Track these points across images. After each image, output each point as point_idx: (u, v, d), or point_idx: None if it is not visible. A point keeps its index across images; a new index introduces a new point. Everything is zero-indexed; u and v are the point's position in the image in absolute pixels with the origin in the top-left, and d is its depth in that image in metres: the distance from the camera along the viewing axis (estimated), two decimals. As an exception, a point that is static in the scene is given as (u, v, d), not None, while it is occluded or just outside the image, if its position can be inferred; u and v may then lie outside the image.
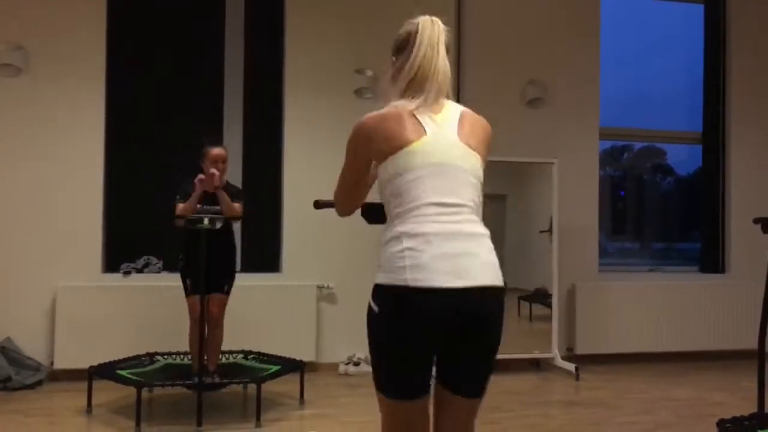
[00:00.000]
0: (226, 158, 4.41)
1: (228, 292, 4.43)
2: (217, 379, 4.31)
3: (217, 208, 4.36)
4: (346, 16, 5.62)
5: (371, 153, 2.01)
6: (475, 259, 1.92)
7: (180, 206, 4.27)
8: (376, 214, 2.21)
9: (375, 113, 2.01)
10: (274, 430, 3.78)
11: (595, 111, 6.14)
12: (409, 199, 1.95)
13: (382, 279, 1.93)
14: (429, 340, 1.91)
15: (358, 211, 2.33)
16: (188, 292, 4.33)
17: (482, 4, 5.88)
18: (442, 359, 1.99)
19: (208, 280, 4.12)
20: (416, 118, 1.97)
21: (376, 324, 1.96)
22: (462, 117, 2.03)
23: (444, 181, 1.95)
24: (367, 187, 2.18)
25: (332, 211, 2.31)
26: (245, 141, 5.62)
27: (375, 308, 1.94)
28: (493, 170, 2.09)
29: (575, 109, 6.07)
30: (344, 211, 2.23)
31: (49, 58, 5.13)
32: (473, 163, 2.02)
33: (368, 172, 2.11)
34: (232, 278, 4.46)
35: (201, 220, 3.92)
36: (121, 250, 5.34)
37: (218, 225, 3.96)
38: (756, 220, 3.19)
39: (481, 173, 2.05)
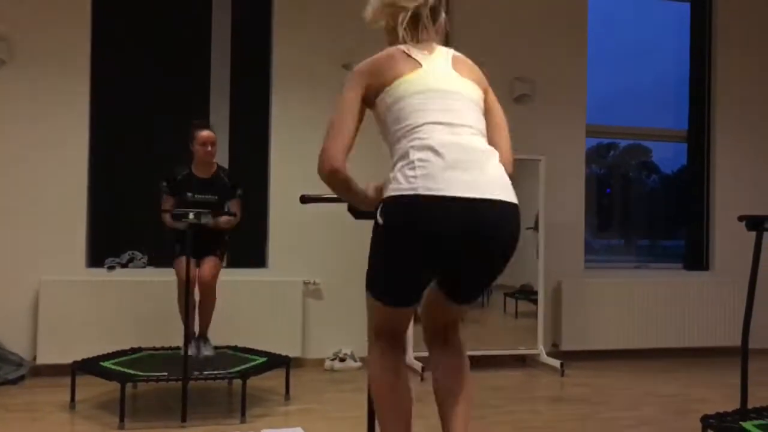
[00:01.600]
0: (215, 140, 4.44)
1: (221, 258, 4.50)
2: (209, 344, 4.45)
3: (210, 197, 4.39)
4: (334, 11, 5.60)
5: (366, 88, 2.02)
6: (487, 175, 1.90)
7: (166, 210, 4.34)
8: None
9: (367, 59, 2.08)
10: (259, 426, 3.76)
11: (582, 108, 6.16)
12: (413, 119, 1.94)
13: (392, 192, 1.90)
14: (436, 252, 1.89)
15: (344, 207, 2.31)
16: (176, 255, 4.38)
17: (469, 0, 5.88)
18: (450, 267, 1.98)
19: (199, 249, 4.15)
20: (410, 55, 2.03)
21: (382, 236, 1.93)
22: (455, 56, 2.12)
23: (446, 103, 1.97)
24: (356, 125, 2.04)
25: (319, 206, 2.30)
26: (231, 136, 5.58)
27: (380, 221, 1.91)
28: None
29: (562, 106, 6.09)
30: (329, 155, 2.01)
31: (34, 50, 5.07)
32: (472, 91, 2.06)
33: (360, 111, 2.05)
34: (224, 246, 4.54)
35: (186, 215, 3.89)
36: (105, 245, 5.30)
37: (203, 220, 3.94)
38: (741, 218, 3.20)
39: (481, 102, 2.09)
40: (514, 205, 1.94)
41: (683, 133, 6.62)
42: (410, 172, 1.86)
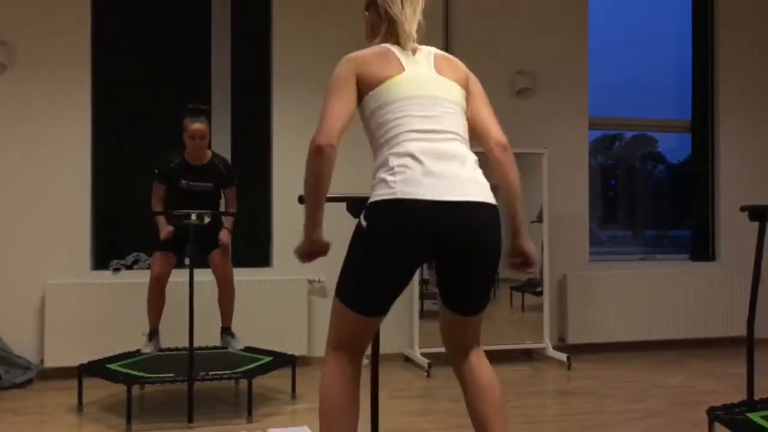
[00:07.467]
0: (205, 134, 4.33)
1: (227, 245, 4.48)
2: (237, 338, 4.48)
3: (205, 185, 4.36)
4: (334, 15, 5.59)
5: (357, 76, 2.06)
6: (464, 177, 1.96)
7: (155, 197, 4.42)
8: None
9: (360, 50, 2.13)
10: (266, 425, 3.78)
11: (584, 101, 6.13)
12: (394, 127, 2.00)
13: (374, 197, 1.96)
14: (415, 257, 1.95)
15: (344, 206, 2.32)
16: (157, 247, 4.38)
17: (470, -6, 5.86)
18: (443, 279, 2.05)
19: (201, 245, 4.19)
20: (396, 56, 2.09)
21: (363, 239, 1.98)
22: (436, 56, 2.16)
23: (426, 110, 2.02)
24: (351, 105, 2.05)
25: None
26: (234, 135, 5.59)
27: (363, 223, 1.97)
28: (483, 161, 2.11)
29: (564, 98, 6.06)
30: (323, 130, 2.02)
31: (34, 54, 5.08)
32: (454, 94, 2.11)
33: (353, 91, 2.05)
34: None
35: (188, 216, 3.89)
36: (110, 247, 5.31)
37: (206, 220, 3.93)
38: (743, 208, 3.19)
39: (464, 102, 2.15)
40: (493, 205, 1.99)
41: (687, 123, 6.58)
42: (390, 178, 1.92)
